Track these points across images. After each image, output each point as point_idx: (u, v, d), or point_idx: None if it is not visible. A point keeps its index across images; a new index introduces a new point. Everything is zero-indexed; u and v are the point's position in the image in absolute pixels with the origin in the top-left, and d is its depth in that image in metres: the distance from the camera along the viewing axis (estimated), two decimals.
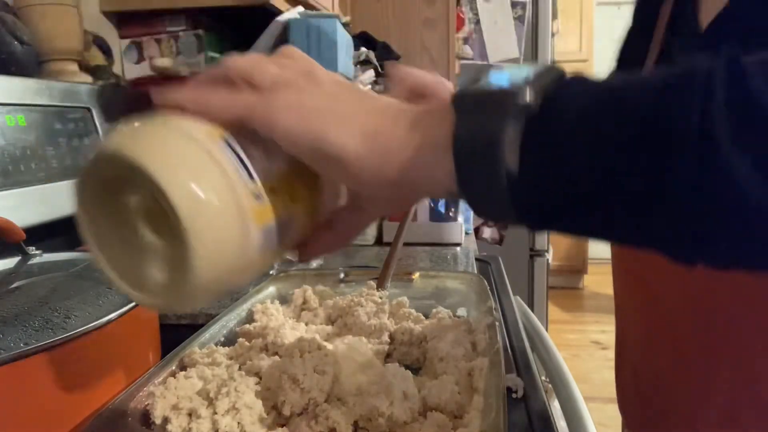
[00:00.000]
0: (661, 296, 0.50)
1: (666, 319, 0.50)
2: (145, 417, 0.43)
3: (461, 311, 0.66)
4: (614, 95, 0.26)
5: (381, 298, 0.63)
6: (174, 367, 0.50)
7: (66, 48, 0.94)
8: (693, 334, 0.47)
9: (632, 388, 0.57)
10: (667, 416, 0.51)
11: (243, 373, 0.48)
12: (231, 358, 0.53)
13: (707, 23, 0.45)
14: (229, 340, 0.59)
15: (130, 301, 0.47)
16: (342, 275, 0.73)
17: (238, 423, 0.42)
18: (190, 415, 0.43)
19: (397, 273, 0.72)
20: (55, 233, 0.79)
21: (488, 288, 0.65)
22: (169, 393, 0.44)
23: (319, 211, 0.36)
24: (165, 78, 1.11)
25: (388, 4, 2.03)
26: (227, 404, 0.43)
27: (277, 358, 0.51)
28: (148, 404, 0.44)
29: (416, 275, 0.72)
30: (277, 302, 0.67)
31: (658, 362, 0.52)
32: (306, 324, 0.63)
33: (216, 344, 0.56)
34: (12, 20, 0.82)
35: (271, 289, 0.71)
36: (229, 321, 0.61)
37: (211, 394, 0.44)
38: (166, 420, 0.42)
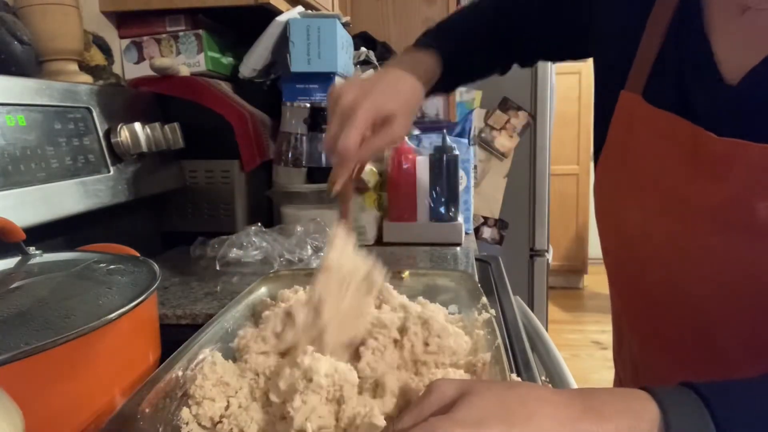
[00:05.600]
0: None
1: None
2: (154, 419, 0.43)
3: (452, 308, 0.65)
4: None
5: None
6: (179, 369, 0.50)
7: (66, 48, 0.94)
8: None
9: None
10: None
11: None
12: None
13: (738, 76, 0.46)
14: (226, 341, 0.58)
15: (130, 301, 0.47)
16: None
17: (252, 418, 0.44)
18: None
19: (387, 272, 0.72)
20: (55, 233, 0.79)
21: (479, 284, 0.65)
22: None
23: None
24: (165, 78, 1.10)
25: (388, 4, 2.03)
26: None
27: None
28: (157, 405, 0.44)
29: (406, 274, 0.71)
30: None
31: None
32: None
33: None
34: (12, 20, 0.82)
35: (263, 290, 0.71)
36: (225, 321, 0.61)
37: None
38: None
